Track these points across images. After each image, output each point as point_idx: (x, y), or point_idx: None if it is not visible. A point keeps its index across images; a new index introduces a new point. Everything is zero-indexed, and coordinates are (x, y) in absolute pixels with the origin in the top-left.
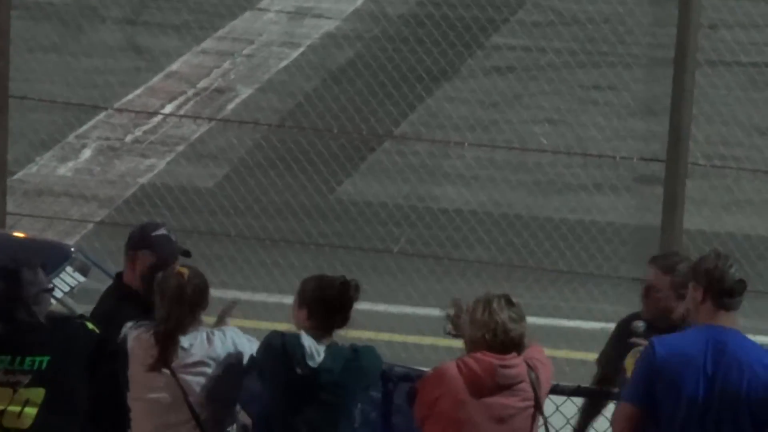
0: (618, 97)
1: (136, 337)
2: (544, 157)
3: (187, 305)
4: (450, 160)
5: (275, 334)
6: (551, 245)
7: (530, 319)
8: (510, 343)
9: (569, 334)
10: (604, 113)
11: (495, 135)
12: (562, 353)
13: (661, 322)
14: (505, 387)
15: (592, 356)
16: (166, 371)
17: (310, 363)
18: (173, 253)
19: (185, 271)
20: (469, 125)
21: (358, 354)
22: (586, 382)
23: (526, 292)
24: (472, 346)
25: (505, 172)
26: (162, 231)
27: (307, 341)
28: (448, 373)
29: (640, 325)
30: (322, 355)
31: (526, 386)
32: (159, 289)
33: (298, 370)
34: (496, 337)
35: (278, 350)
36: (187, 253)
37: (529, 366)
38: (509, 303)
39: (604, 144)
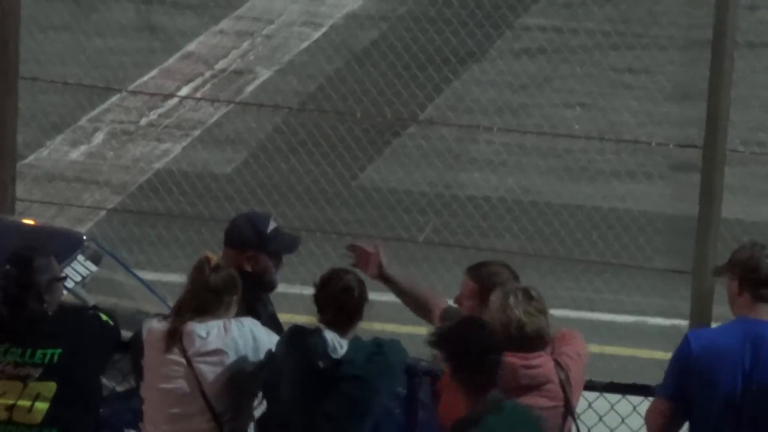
0: (652, 81)
1: (151, 327)
2: (575, 143)
3: (209, 291)
4: (477, 146)
5: (296, 329)
6: (582, 234)
7: (560, 312)
8: (526, 340)
9: (601, 327)
10: (637, 97)
11: (524, 119)
12: (594, 347)
13: None
14: (531, 388)
15: (625, 351)
16: (182, 360)
17: (333, 355)
18: (288, 246)
19: (214, 257)
20: (497, 109)
21: (382, 347)
22: (619, 378)
23: (557, 283)
24: None
25: (535, 157)
26: (274, 224)
27: (330, 335)
28: None
29: None
30: (345, 347)
31: (553, 387)
32: (188, 276)
33: (321, 364)
34: (510, 333)
35: (300, 344)
36: (297, 241)
37: (558, 364)
38: (527, 297)
39: (638, 129)
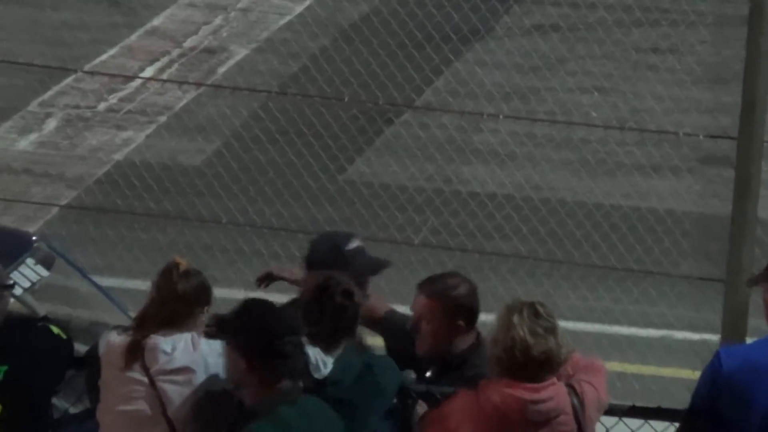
0: (681, 62)
1: (109, 340)
2: (592, 133)
3: (177, 300)
4: (482, 135)
5: None
6: (601, 237)
7: (576, 325)
8: (533, 364)
9: (622, 342)
10: (664, 81)
11: (535, 105)
12: (613, 365)
13: (439, 359)
14: (541, 424)
15: (649, 369)
16: (144, 378)
17: (315, 375)
18: (371, 268)
19: (183, 261)
20: (504, 94)
21: (373, 368)
22: (642, 400)
23: (571, 291)
24: (493, 366)
25: (547, 149)
26: (356, 243)
27: (312, 350)
28: (464, 411)
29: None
30: (329, 366)
31: (566, 418)
32: (153, 284)
33: (300, 384)
34: (514, 357)
35: None
36: (383, 265)
37: (572, 389)
38: (534, 314)
39: (663, 117)
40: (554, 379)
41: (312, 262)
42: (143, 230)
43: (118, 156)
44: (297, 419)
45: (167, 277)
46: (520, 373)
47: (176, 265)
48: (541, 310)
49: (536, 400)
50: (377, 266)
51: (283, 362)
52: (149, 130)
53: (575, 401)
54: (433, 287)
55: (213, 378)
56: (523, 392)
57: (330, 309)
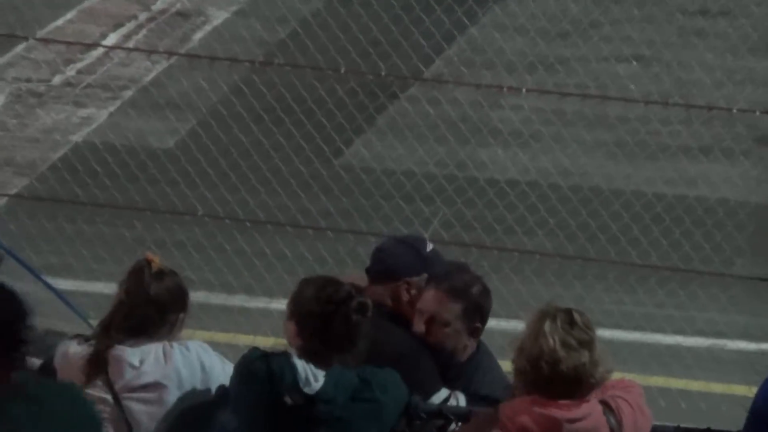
0: (733, 26)
1: (66, 351)
2: (631, 109)
3: (150, 304)
4: (502, 112)
5: (255, 353)
6: (641, 230)
7: (612, 333)
8: (560, 381)
9: (665, 353)
10: (713, 48)
11: (564, 77)
12: (655, 380)
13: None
14: None
15: (696, 385)
16: (107, 396)
17: (306, 390)
18: (454, 270)
19: (156, 259)
20: (527, 64)
21: (370, 383)
22: (689, 420)
23: (605, 294)
24: (519, 380)
25: (578, 128)
26: (431, 245)
27: (300, 361)
28: None
29: None
30: (321, 380)
31: None
32: (121, 284)
33: (288, 400)
34: (540, 369)
35: (260, 374)
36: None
37: (608, 407)
38: (570, 322)
39: (714, 91)
40: (584, 399)
41: (392, 270)
42: (106, 224)
43: (76, 137)
44: (30, 420)
45: (137, 278)
46: (544, 389)
47: (148, 264)
48: (578, 319)
49: (572, 418)
50: (456, 269)
51: (19, 350)
52: (113, 107)
53: (612, 420)
54: (451, 283)
55: (188, 395)
56: (556, 410)
57: (341, 325)
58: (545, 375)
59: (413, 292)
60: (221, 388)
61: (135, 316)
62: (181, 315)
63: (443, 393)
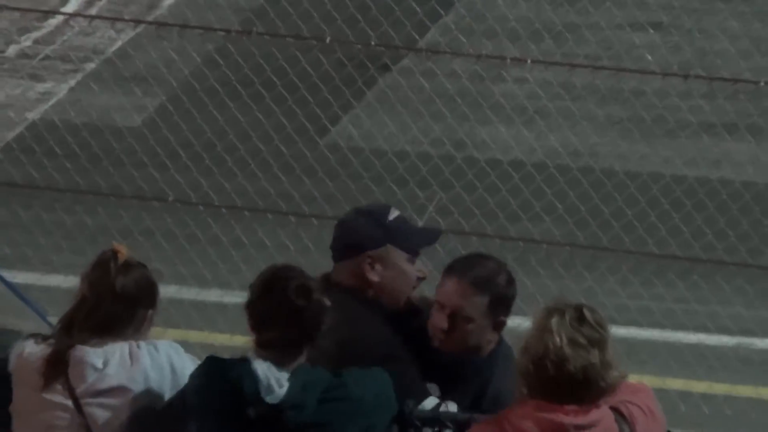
0: None
1: (22, 352)
2: (647, 82)
3: (116, 300)
4: (504, 86)
5: (213, 361)
6: (659, 217)
7: (627, 331)
8: (566, 382)
9: (685, 352)
10: (739, 14)
11: (573, 47)
12: (675, 383)
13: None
14: None
15: (721, 388)
16: (67, 401)
17: (268, 399)
18: (426, 238)
19: (123, 249)
20: (533, 32)
21: (344, 379)
22: (712, 427)
23: (620, 287)
24: (523, 383)
25: (589, 104)
26: (396, 213)
27: (261, 367)
28: None
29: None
30: (286, 384)
31: None
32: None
33: (252, 412)
34: (544, 369)
35: (218, 385)
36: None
37: (619, 413)
38: (579, 319)
39: (740, 62)
40: (594, 405)
41: (351, 244)
42: (66, 211)
43: (33, 114)
44: None
45: (102, 271)
46: (549, 391)
47: (114, 255)
48: (588, 315)
49: (581, 425)
50: (431, 235)
51: None
52: (73, 81)
53: (625, 428)
54: (476, 273)
55: (155, 400)
56: (563, 416)
57: (282, 311)
58: (550, 376)
59: (377, 267)
60: (180, 395)
61: (99, 313)
62: (150, 311)
63: (431, 401)
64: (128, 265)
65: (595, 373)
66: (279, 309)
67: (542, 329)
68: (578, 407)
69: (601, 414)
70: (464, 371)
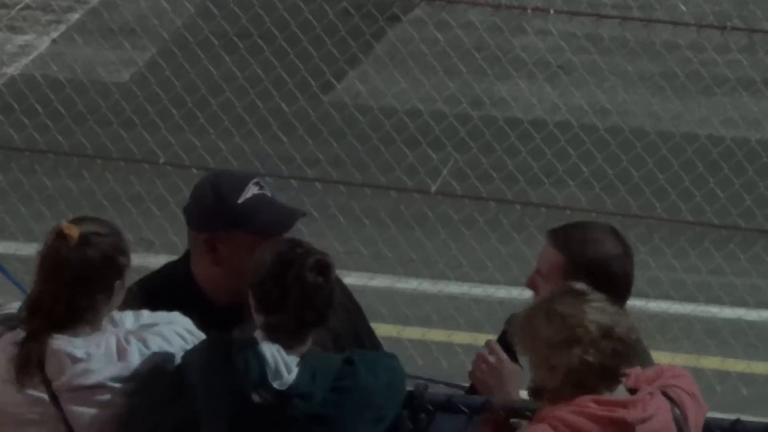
0: None
1: None
2: (681, 34)
3: (70, 286)
4: (525, 38)
5: (217, 340)
6: (693, 181)
7: (659, 305)
8: (624, 348)
9: (724, 329)
10: None
11: None
12: (711, 362)
13: None
14: None
15: (761, 367)
16: (42, 395)
17: (276, 384)
18: (281, 223)
19: (74, 228)
20: None
21: (355, 364)
22: (755, 410)
23: (651, 258)
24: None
25: (617, 58)
26: (255, 190)
27: (270, 349)
28: None
29: None
30: (295, 370)
31: None
32: (38, 257)
33: (256, 397)
34: (602, 353)
35: (222, 367)
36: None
37: (670, 399)
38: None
39: None
40: (650, 390)
41: (188, 218)
42: (48, 174)
43: (11, 69)
44: None
45: (54, 253)
46: (596, 384)
47: (63, 236)
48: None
49: (644, 418)
50: (284, 220)
51: None
52: (56, 33)
53: (676, 411)
54: (566, 239)
55: (147, 398)
56: (622, 410)
57: (297, 291)
58: (613, 349)
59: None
60: (176, 371)
61: (59, 300)
62: (117, 282)
63: None
64: (82, 245)
65: (637, 337)
66: (293, 289)
67: (577, 318)
68: (631, 398)
69: (658, 403)
70: None
